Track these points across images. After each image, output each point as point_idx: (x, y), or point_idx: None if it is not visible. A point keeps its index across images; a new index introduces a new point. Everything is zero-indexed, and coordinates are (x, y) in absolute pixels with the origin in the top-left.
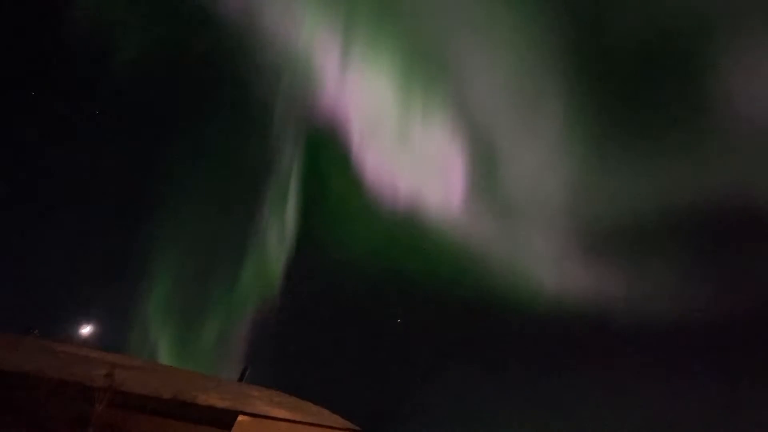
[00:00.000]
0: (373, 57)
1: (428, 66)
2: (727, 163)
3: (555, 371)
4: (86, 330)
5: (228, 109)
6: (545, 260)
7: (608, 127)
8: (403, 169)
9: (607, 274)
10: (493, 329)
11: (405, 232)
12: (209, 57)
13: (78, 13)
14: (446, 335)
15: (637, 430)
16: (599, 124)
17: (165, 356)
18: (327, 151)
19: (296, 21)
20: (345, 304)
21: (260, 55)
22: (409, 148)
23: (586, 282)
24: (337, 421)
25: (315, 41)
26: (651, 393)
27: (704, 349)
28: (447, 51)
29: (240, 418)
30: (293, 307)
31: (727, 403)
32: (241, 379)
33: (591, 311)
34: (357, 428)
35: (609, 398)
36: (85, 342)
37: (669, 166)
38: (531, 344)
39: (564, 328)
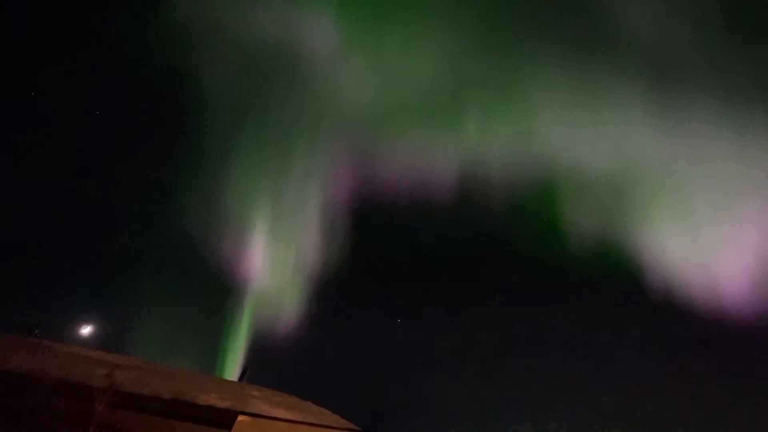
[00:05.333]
0: None
1: None
2: None
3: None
4: (86, 330)
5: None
6: None
7: None
8: None
9: None
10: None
11: None
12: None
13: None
14: (447, 334)
15: None
16: None
17: (164, 356)
18: None
19: None
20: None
21: None
22: None
23: None
24: (337, 421)
25: None
26: None
27: None
28: None
29: (240, 418)
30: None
31: None
32: (241, 379)
33: None
34: (357, 428)
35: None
36: (85, 342)
37: None
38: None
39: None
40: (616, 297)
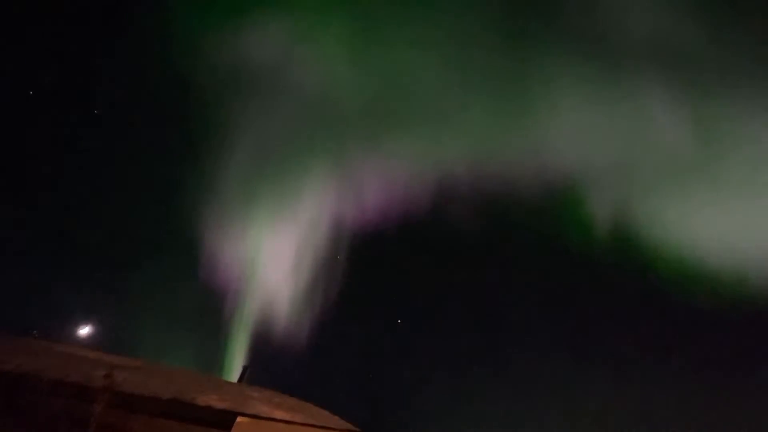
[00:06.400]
0: None
1: None
2: None
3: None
4: (86, 330)
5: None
6: None
7: None
8: None
9: None
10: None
11: None
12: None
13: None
14: (448, 334)
15: None
16: None
17: (164, 356)
18: None
19: None
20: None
21: None
22: None
23: None
24: (338, 422)
25: None
26: None
27: None
28: None
29: (239, 419)
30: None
31: None
32: (241, 380)
33: None
34: (357, 429)
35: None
36: (84, 342)
37: None
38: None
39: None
40: (636, 294)
